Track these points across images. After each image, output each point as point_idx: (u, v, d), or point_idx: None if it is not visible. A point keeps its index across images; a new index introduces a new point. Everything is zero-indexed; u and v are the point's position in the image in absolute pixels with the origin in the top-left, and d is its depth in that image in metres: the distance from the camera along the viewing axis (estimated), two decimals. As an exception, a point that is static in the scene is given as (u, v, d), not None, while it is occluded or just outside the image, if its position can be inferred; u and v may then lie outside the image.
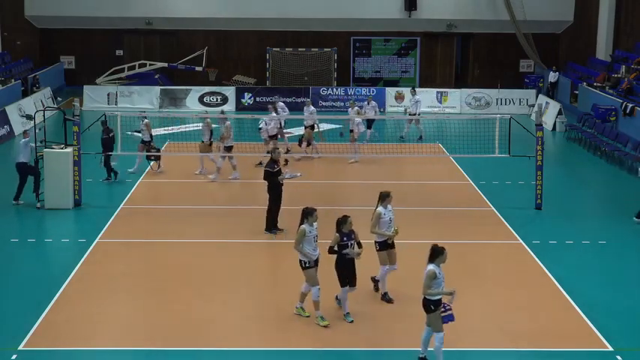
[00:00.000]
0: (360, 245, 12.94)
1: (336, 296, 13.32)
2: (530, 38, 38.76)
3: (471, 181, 22.55)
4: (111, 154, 21.75)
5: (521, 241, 17.32)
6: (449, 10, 39.38)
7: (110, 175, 22.03)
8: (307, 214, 12.87)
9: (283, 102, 27.75)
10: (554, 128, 31.02)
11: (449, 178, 23.26)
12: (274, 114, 24.34)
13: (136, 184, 21.85)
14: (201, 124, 23.53)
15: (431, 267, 11.08)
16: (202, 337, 12.40)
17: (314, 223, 12.87)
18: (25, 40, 39.56)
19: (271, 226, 17.47)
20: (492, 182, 22.42)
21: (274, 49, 38.92)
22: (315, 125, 25.34)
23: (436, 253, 11.15)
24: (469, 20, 39.53)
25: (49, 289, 14.22)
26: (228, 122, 22.34)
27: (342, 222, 12.72)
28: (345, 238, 12.70)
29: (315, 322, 12.75)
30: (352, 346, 12.19)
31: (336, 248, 12.70)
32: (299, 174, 18.88)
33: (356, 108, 25.98)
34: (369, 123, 27.28)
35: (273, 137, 23.96)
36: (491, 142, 21.54)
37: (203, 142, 22.83)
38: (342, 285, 12.86)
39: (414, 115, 28.06)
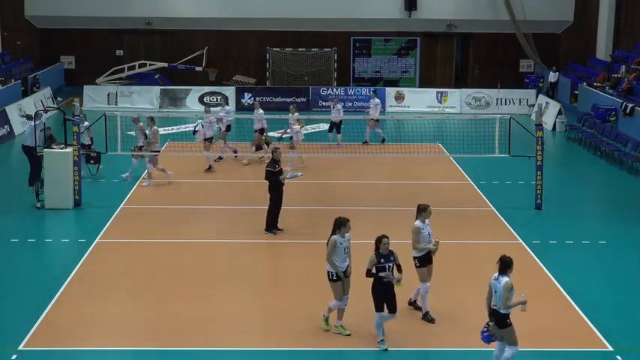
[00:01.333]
0: (400, 269, 12.11)
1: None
2: (530, 38, 38.75)
3: (471, 181, 22.55)
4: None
5: (521, 241, 17.32)
6: (449, 10, 39.36)
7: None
8: (340, 225, 12.31)
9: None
10: (554, 128, 31.02)
11: (449, 178, 23.26)
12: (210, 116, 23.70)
13: (136, 184, 21.85)
14: (135, 130, 22.64)
15: (507, 279, 10.73)
16: (202, 337, 12.40)
17: (346, 234, 12.35)
18: (25, 40, 39.54)
19: (271, 226, 17.47)
20: (492, 182, 22.42)
21: (274, 49, 38.92)
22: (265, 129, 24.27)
23: (507, 265, 10.83)
24: (469, 20, 39.52)
25: (49, 289, 14.22)
26: (155, 127, 21.71)
27: (378, 241, 11.93)
28: (382, 260, 11.85)
29: (322, 325, 12.61)
30: (352, 346, 12.19)
31: (373, 271, 11.88)
32: (300, 174, 18.85)
33: (296, 114, 24.36)
34: (336, 127, 26.38)
35: (209, 140, 23.34)
36: (491, 142, 21.54)
37: (136, 146, 22.24)
38: (378, 310, 11.93)
39: (373, 119, 26.96)
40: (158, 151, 21.94)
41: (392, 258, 11.91)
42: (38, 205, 19.38)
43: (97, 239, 17.12)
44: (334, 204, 20.24)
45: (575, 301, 13.89)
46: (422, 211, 13.09)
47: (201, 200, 20.54)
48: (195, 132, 23.60)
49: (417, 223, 13.02)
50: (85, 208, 19.55)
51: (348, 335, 12.37)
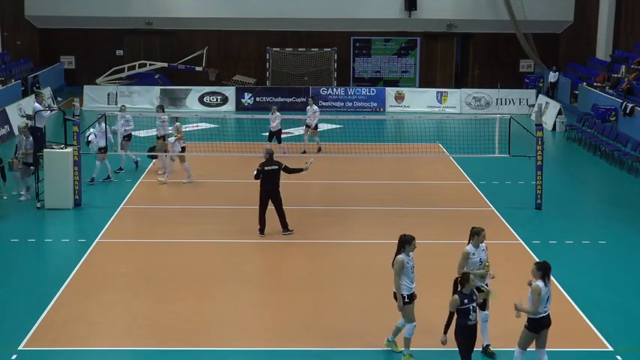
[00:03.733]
0: (483, 307, 11.47)
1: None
2: (530, 38, 38.76)
3: (471, 181, 22.56)
4: None
5: (521, 241, 17.33)
6: (449, 10, 39.38)
7: None
8: (405, 243, 11.42)
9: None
10: (554, 128, 31.03)
11: (449, 178, 23.26)
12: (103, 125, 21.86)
13: (136, 184, 21.85)
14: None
15: (540, 283, 10.55)
16: (202, 337, 12.40)
17: (410, 253, 11.47)
18: (25, 40, 39.57)
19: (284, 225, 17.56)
20: (492, 182, 22.42)
21: (274, 49, 38.93)
22: (166, 137, 22.79)
23: (548, 269, 10.63)
24: (469, 20, 39.52)
25: (49, 289, 14.22)
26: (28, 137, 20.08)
27: (464, 281, 10.57)
28: (466, 301, 10.48)
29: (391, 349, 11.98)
30: (353, 346, 12.19)
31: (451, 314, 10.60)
32: (312, 160, 18.31)
33: (177, 124, 22.11)
34: (277, 136, 24.97)
35: (103, 150, 21.64)
36: (491, 142, 21.54)
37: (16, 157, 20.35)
38: (465, 359, 10.60)
39: (310, 127, 25.68)
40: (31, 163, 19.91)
41: (474, 297, 10.67)
42: (38, 205, 19.38)
43: (97, 239, 17.12)
44: (334, 204, 20.27)
45: (575, 301, 13.89)
46: (474, 234, 11.82)
47: (201, 200, 20.53)
48: (88, 142, 21.77)
49: (468, 247, 11.79)
50: (85, 208, 19.55)
51: (400, 352, 11.73)
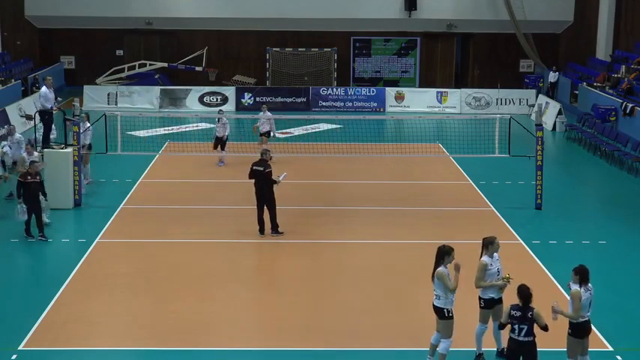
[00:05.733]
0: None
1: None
2: (530, 38, 38.76)
3: (471, 181, 22.56)
4: None
5: (521, 241, 17.33)
6: (449, 10, 39.37)
7: None
8: (444, 254, 11.09)
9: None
10: (554, 128, 31.03)
11: (449, 178, 23.26)
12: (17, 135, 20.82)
13: (136, 184, 21.85)
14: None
15: (580, 288, 10.47)
16: (202, 337, 12.40)
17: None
18: (25, 40, 39.56)
19: (275, 226, 17.45)
20: (492, 182, 22.43)
21: (274, 49, 38.92)
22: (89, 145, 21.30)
23: (584, 273, 10.54)
24: (469, 20, 39.51)
25: (49, 289, 14.23)
26: None
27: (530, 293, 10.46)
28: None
29: None
30: (353, 347, 12.19)
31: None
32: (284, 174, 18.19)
33: (87, 126, 20.99)
34: (221, 144, 23.56)
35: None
36: (491, 142, 21.55)
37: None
38: None
39: (265, 134, 24.20)
40: None
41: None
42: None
43: (97, 239, 17.12)
44: (334, 204, 20.27)
45: (575, 301, 13.88)
46: (488, 244, 11.56)
47: (201, 200, 20.53)
48: (3, 155, 20.35)
49: (485, 259, 11.49)
50: (85, 208, 19.55)
51: None
